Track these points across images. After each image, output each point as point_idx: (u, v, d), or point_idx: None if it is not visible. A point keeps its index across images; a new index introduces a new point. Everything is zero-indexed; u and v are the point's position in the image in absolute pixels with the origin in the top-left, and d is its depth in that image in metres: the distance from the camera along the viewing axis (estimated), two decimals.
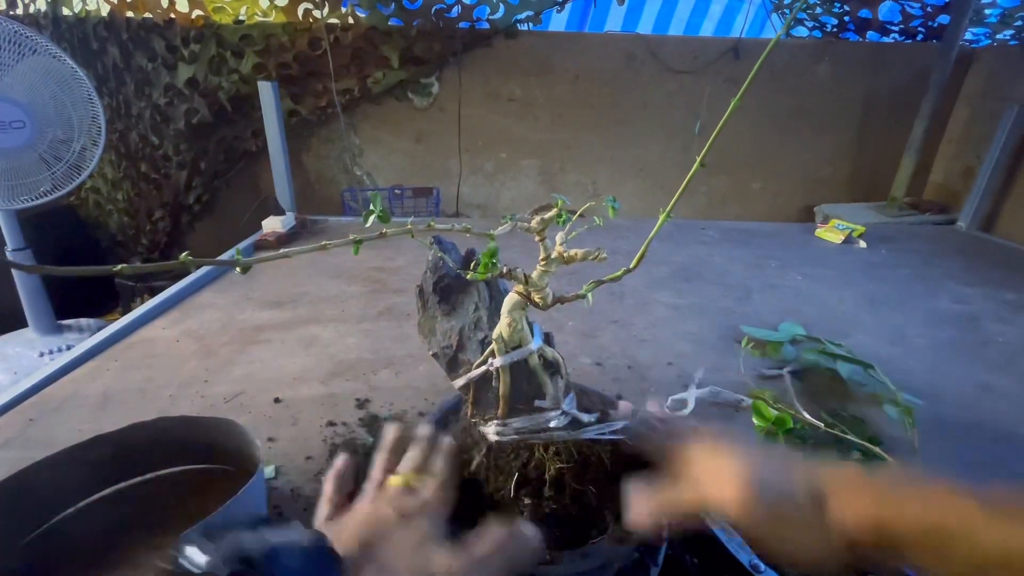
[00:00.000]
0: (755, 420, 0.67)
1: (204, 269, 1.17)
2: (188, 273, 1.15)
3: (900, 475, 0.30)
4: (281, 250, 0.29)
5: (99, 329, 1.02)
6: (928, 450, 0.60)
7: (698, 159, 0.35)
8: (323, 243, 0.30)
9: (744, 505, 0.31)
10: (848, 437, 0.62)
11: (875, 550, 0.28)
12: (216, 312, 1.01)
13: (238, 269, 0.25)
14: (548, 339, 0.46)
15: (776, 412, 0.65)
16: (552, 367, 0.44)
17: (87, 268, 0.20)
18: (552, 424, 0.42)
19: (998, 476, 0.62)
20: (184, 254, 0.22)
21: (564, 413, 0.42)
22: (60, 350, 1.54)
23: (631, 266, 0.39)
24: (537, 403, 0.43)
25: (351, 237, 0.31)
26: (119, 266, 0.21)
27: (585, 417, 0.43)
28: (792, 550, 0.31)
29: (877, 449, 0.60)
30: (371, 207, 0.34)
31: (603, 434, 0.42)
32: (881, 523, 0.27)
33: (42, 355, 1.52)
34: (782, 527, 0.30)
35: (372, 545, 0.31)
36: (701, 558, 0.49)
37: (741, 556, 0.48)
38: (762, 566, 0.47)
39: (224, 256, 1.27)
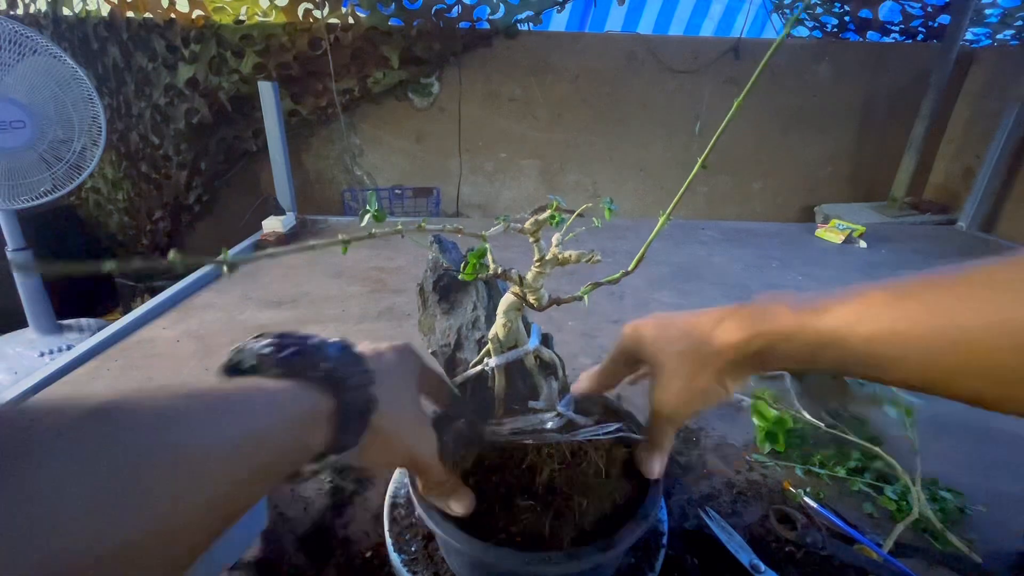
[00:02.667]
0: (755, 420, 0.67)
1: (204, 269, 1.17)
2: (185, 273, 1.15)
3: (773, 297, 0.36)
4: (268, 250, 0.29)
5: (99, 329, 1.02)
6: (928, 450, 0.60)
7: (699, 160, 0.35)
8: (311, 243, 0.30)
9: (659, 335, 0.39)
10: (848, 437, 0.62)
11: (752, 357, 0.35)
12: (216, 312, 1.01)
13: (225, 269, 0.25)
14: (546, 340, 0.46)
15: (776, 412, 0.65)
16: (549, 368, 0.44)
17: (78, 265, 0.20)
18: (547, 425, 0.42)
19: (998, 476, 0.62)
20: (171, 252, 0.22)
21: (559, 415, 0.42)
22: (60, 350, 1.54)
23: (629, 269, 0.39)
24: (532, 404, 0.43)
25: (339, 237, 0.31)
26: (110, 263, 0.21)
27: (581, 419, 0.43)
28: (698, 393, 0.37)
29: (877, 449, 0.60)
30: (368, 206, 0.34)
31: (598, 435, 0.42)
32: (755, 331, 0.34)
33: (42, 355, 1.53)
34: (689, 364, 0.37)
35: (377, 358, 0.36)
36: (701, 558, 0.49)
37: (741, 556, 0.48)
38: (762, 566, 0.47)
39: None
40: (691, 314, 0.39)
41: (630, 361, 0.43)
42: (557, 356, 0.45)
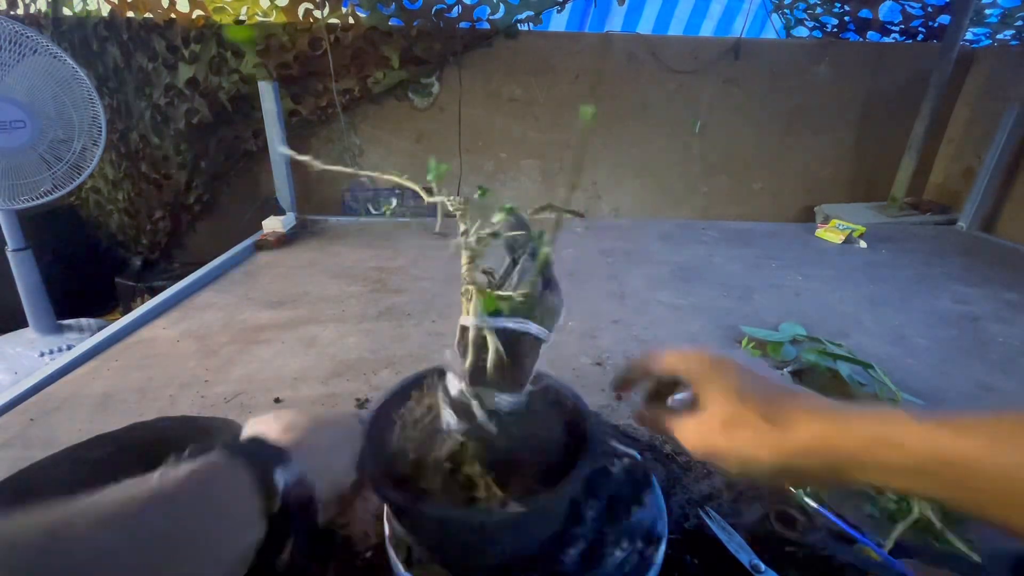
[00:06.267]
0: None
1: (204, 269, 1.17)
2: (189, 273, 1.15)
3: (850, 405, 0.33)
4: (331, 218, 0.29)
5: (99, 329, 1.02)
6: None
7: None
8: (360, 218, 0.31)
9: (726, 404, 0.37)
10: None
11: (820, 466, 0.32)
12: (216, 312, 1.01)
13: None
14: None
15: None
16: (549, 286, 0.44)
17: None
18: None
19: None
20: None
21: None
22: (60, 350, 1.54)
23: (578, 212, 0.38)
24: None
25: (386, 208, 0.32)
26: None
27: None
28: (745, 460, 0.34)
29: None
30: (381, 208, 0.34)
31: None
32: (828, 438, 0.31)
33: (42, 355, 1.52)
34: (744, 435, 0.35)
35: (298, 441, 0.38)
36: (701, 558, 0.49)
37: (741, 556, 0.48)
38: (762, 566, 0.47)
39: (224, 257, 1.27)
40: (777, 382, 0.37)
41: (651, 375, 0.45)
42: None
